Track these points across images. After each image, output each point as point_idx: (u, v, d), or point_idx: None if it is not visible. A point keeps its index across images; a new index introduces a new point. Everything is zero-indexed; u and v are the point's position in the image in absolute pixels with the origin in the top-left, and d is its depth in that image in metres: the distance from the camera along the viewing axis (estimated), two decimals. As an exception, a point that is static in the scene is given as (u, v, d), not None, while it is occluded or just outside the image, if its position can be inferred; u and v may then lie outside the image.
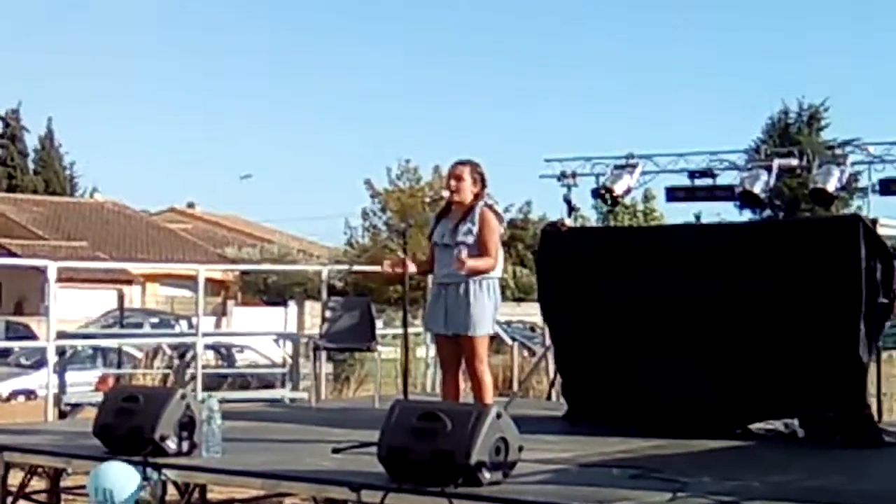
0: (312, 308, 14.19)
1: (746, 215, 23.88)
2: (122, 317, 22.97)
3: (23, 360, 18.42)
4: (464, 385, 7.70)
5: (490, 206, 7.47)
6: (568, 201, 11.38)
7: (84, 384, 13.84)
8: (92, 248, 40.18)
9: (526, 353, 17.21)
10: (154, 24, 74.69)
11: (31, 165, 53.25)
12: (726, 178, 10.92)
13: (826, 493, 6.14)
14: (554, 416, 9.19)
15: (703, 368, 8.37)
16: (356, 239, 40.81)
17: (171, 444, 6.82)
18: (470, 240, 7.35)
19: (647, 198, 35.54)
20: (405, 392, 7.47)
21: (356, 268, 25.28)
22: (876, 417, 8.37)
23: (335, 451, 7.06)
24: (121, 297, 26.23)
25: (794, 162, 10.92)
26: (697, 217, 23.98)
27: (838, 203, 12.40)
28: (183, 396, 7.07)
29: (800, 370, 8.08)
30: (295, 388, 12.13)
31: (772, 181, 10.65)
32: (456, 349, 7.46)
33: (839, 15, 64.09)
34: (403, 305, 7.77)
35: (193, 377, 11.66)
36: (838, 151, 11.06)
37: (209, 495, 7.30)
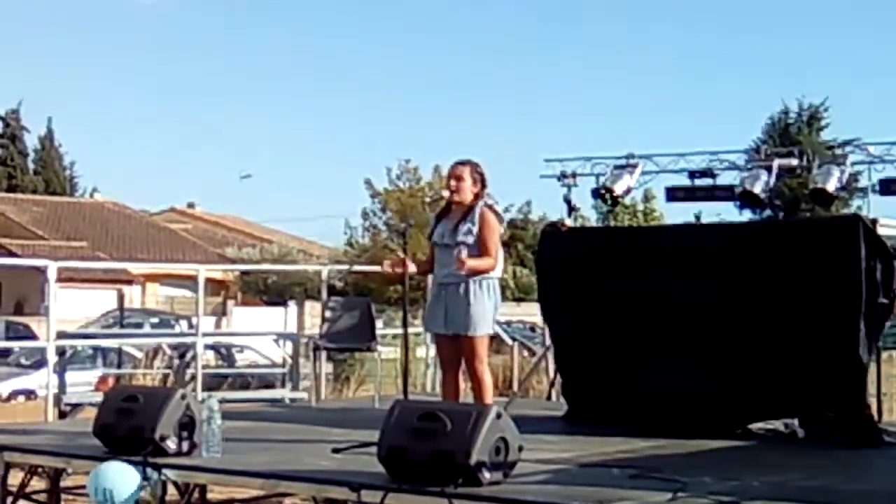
0: (312, 308, 14.19)
1: (746, 215, 23.85)
2: (122, 317, 23.01)
3: (23, 360, 18.44)
4: (464, 385, 7.70)
5: (490, 206, 7.47)
6: (568, 201, 11.39)
7: (84, 384, 13.85)
8: (92, 248, 40.20)
9: (526, 354, 17.20)
10: (154, 24, 74.72)
11: (31, 165, 53.27)
12: (726, 178, 10.94)
13: (826, 493, 6.15)
14: (554, 417, 9.19)
15: (703, 368, 8.38)
16: (356, 239, 40.83)
17: (171, 444, 6.82)
18: (470, 240, 7.35)
19: (647, 198, 35.52)
20: (405, 392, 7.48)
21: (356, 268, 25.29)
22: (876, 417, 8.37)
23: (335, 451, 7.06)
24: (121, 297, 26.28)
25: (794, 162, 10.93)
26: (697, 217, 23.99)
27: (838, 203, 12.41)
28: (183, 396, 7.07)
29: (800, 370, 8.08)
30: (295, 388, 12.13)
31: (772, 181, 10.66)
32: (456, 349, 7.46)
33: (839, 15, 64.12)
34: (403, 305, 7.77)
35: (193, 377, 11.66)
36: (838, 151, 11.07)
37: (209, 495, 7.30)
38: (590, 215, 31.68)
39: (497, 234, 7.46)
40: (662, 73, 68.58)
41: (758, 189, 10.59)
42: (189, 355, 13.37)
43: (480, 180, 7.48)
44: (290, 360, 12.92)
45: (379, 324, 12.49)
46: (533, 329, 23.54)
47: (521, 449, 6.00)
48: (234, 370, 16.21)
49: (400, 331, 8.26)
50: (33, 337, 20.88)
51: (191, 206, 58.04)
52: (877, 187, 10.37)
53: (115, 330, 21.51)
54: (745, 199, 10.98)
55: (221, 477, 6.69)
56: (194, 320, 12.47)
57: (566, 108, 69.69)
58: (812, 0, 65.03)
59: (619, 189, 11.10)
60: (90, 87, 76.30)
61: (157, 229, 47.77)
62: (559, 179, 11.34)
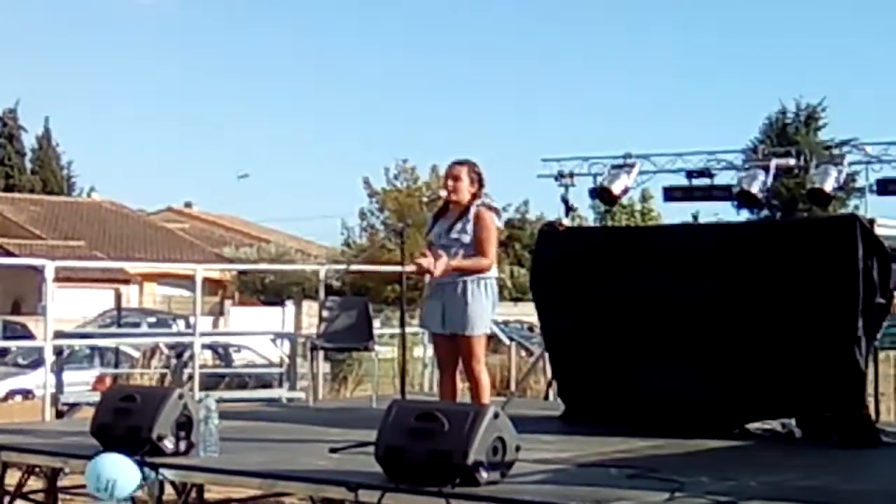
0: (310, 308, 14.21)
1: (744, 215, 23.85)
2: (120, 316, 22.96)
3: (20, 360, 18.41)
4: (461, 385, 7.70)
5: (487, 205, 7.47)
6: (565, 201, 11.36)
7: (81, 384, 13.82)
8: (89, 248, 40.17)
9: (523, 353, 17.20)
10: (153, 23, 74.68)
11: (28, 165, 53.25)
12: (724, 178, 10.91)
13: (823, 493, 6.15)
14: (551, 416, 9.19)
15: (700, 368, 8.38)
16: (353, 239, 40.85)
17: (169, 444, 6.82)
18: (466, 239, 7.35)
19: (644, 197, 35.61)
20: (402, 392, 7.48)
21: (354, 267, 25.26)
22: (873, 417, 8.37)
23: (332, 450, 7.05)
24: (118, 297, 26.22)
25: (792, 162, 10.90)
26: (695, 217, 24.01)
27: (836, 203, 12.39)
28: (180, 396, 7.07)
29: (797, 370, 8.08)
30: (292, 387, 12.11)
31: (769, 181, 10.63)
32: (453, 349, 7.46)
33: (837, 15, 64.16)
34: (401, 305, 7.77)
35: (191, 377, 11.64)
36: (836, 151, 11.06)
37: (206, 495, 7.28)
38: (587, 215, 31.85)
39: (494, 234, 7.45)
40: (660, 73, 68.68)
41: (755, 189, 10.57)
42: (186, 355, 13.35)
43: (478, 180, 7.48)
44: (287, 360, 12.91)
45: (376, 323, 12.48)
46: (531, 329, 23.52)
47: (518, 449, 6.00)
48: (232, 370, 16.19)
49: (397, 330, 8.26)
50: (30, 336, 20.85)
51: (188, 205, 58.05)
52: (874, 187, 10.35)
53: (113, 329, 21.48)
54: (743, 198, 10.95)
55: (219, 477, 6.68)
56: (192, 320, 12.44)
57: (564, 108, 69.84)
58: (811, 0, 65.07)
59: (616, 189, 11.07)
60: (88, 87, 76.39)
61: (155, 229, 47.76)
62: (556, 179, 11.31)
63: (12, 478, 7.61)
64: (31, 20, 72.74)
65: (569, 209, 11.49)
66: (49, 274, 10.14)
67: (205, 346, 14.40)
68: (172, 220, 52.47)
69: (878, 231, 8.22)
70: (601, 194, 11.18)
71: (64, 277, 15.59)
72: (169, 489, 6.78)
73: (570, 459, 7.04)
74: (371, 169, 46.64)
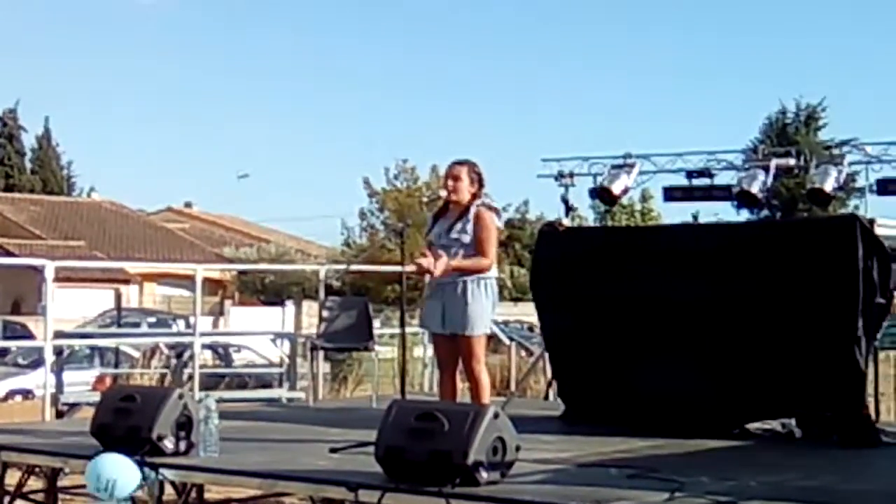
0: (310, 308, 14.21)
1: (744, 215, 23.85)
2: (120, 316, 22.96)
3: (20, 360, 18.41)
4: (461, 385, 7.70)
5: (487, 205, 7.47)
6: (565, 201, 11.36)
7: (81, 384, 13.82)
8: (89, 248, 40.17)
9: (523, 353, 17.20)
10: (153, 23, 74.69)
11: (28, 165, 53.25)
12: (724, 178, 10.90)
13: (823, 493, 6.15)
14: (551, 416, 9.19)
15: (700, 368, 8.38)
16: (353, 239, 40.85)
17: (169, 444, 6.82)
18: (466, 239, 7.35)
19: (644, 197, 35.61)
20: (402, 392, 7.48)
21: (354, 267, 25.26)
22: (873, 417, 8.37)
23: (332, 450, 7.05)
24: (118, 297, 26.22)
25: (792, 162, 10.90)
26: (695, 217, 24.01)
27: (836, 203, 12.39)
28: (180, 396, 7.07)
29: (797, 370, 8.08)
30: (292, 387, 12.11)
31: (769, 181, 10.63)
32: (453, 349, 7.46)
33: (837, 15, 64.16)
34: (401, 305, 7.77)
35: (191, 377, 11.64)
36: (836, 151, 11.05)
37: (206, 495, 7.29)
38: (587, 215, 31.85)
39: (494, 234, 7.45)
40: (660, 73, 68.68)
41: (755, 189, 10.57)
42: (186, 355, 13.35)
43: (478, 180, 7.48)
44: (287, 360, 12.91)
45: (376, 323, 12.48)
46: (531, 329, 23.52)
47: (518, 449, 6.00)
48: (232, 370, 16.19)
49: (397, 330, 8.26)
50: (30, 336, 20.85)
51: (188, 205, 58.06)
52: (874, 187, 10.35)
53: (113, 329, 21.48)
54: (743, 198, 10.95)
55: (219, 477, 6.68)
56: (192, 320, 12.44)
57: (565, 108, 69.85)
58: (811, 0, 65.06)
59: (616, 189, 11.06)
60: (88, 87, 76.40)
61: (155, 229, 47.77)
62: (556, 179, 11.30)
63: (12, 478, 7.61)
64: (31, 20, 72.80)
65: (569, 209, 11.49)
66: (49, 274, 10.14)
67: (205, 346, 14.40)
68: (172, 220, 52.48)
69: (878, 231, 8.22)
70: (601, 194, 11.17)
71: (64, 277, 15.58)
72: (169, 489, 6.78)
73: (570, 459, 7.04)
74: (371, 169, 46.69)
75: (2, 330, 22.68)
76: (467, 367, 7.44)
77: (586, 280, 9.04)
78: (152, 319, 27.24)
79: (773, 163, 10.65)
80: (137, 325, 25.17)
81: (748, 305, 8.28)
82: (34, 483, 7.75)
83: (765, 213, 29.61)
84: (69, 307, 20.43)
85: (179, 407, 6.93)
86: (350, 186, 54.45)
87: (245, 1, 74.49)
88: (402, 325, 7.64)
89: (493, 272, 7.47)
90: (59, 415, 11.30)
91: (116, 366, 15.70)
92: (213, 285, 36.97)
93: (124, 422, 6.93)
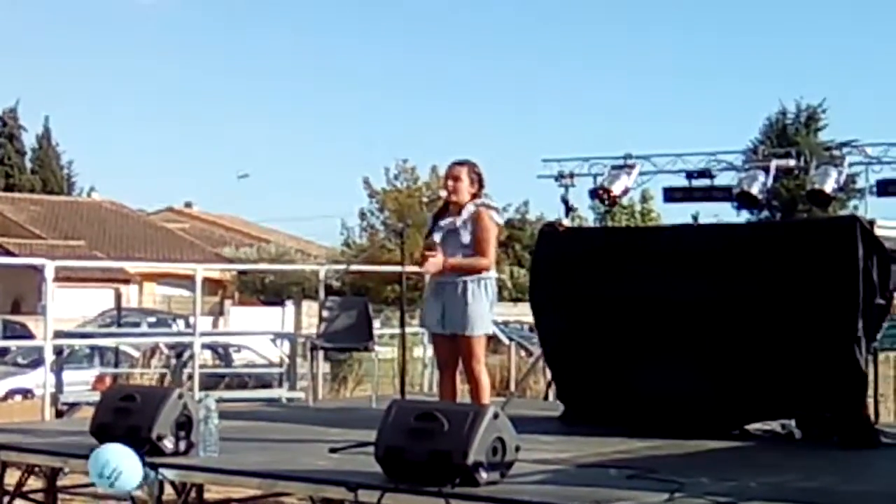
0: (310, 308, 14.21)
1: (744, 216, 23.95)
2: (120, 316, 22.96)
3: (20, 360, 18.42)
4: (461, 386, 7.70)
5: (486, 205, 7.47)
6: (565, 201, 11.37)
7: (81, 383, 13.83)
8: (89, 248, 40.15)
9: (523, 354, 17.20)
10: (153, 23, 74.69)
11: (28, 164, 53.26)
12: (724, 179, 10.92)
13: (823, 494, 6.16)
14: (551, 417, 9.19)
15: (700, 369, 8.38)
16: (353, 239, 40.85)
17: (168, 444, 6.82)
18: (466, 239, 7.35)
19: (644, 198, 35.55)
20: (402, 392, 7.48)
21: (354, 267, 25.26)
22: (873, 418, 8.37)
23: (332, 450, 7.05)
24: (118, 297, 26.22)
25: (792, 163, 10.91)
26: (695, 217, 23.95)
27: (836, 204, 12.41)
28: (180, 396, 7.07)
29: (797, 371, 8.08)
30: (292, 387, 12.11)
31: (769, 182, 10.65)
32: (453, 349, 7.46)
33: (837, 16, 64.18)
34: (401, 305, 7.77)
35: (190, 377, 11.64)
36: (836, 152, 11.03)
37: (206, 495, 7.29)
38: (587, 215, 31.84)
39: (493, 234, 7.45)
40: (660, 73, 68.70)
41: (755, 190, 10.58)
42: (186, 355, 13.35)
43: (478, 180, 7.48)
44: (287, 360, 12.91)
45: (376, 323, 12.48)
46: (531, 329, 23.49)
47: (518, 449, 6.00)
48: (232, 370, 16.20)
49: (397, 330, 8.26)
50: (30, 336, 20.84)
51: (188, 205, 58.06)
52: (874, 188, 10.36)
53: (113, 329, 21.48)
54: (743, 199, 10.96)
55: (218, 476, 6.68)
56: (191, 320, 12.44)
57: (565, 108, 69.85)
58: (811, 0, 65.06)
59: (616, 189, 11.07)
60: (88, 87, 76.41)
61: (155, 229, 47.76)
62: (557, 180, 11.31)
63: (12, 477, 7.61)
64: (31, 20, 72.82)
65: (569, 209, 11.50)
66: (49, 273, 10.14)
67: (205, 346, 14.40)
68: (172, 219, 52.48)
69: (878, 232, 8.22)
70: (601, 195, 11.18)
71: (64, 277, 15.58)
72: (168, 489, 6.78)
73: (569, 460, 7.04)
74: (371, 169, 46.68)
75: (2, 329, 22.68)
76: (467, 368, 7.44)
77: (586, 280, 9.04)
78: (152, 319, 27.23)
79: (773, 164, 10.66)
80: (137, 324, 25.16)
81: (748, 306, 8.28)
82: (34, 482, 7.74)
83: (765, 213, 29.66)
84: (69, 307, 20.42)
85: (179, 407, 6.93)
86: (350, 186, 54.45)
87: (245, 1, 74.57)
88: (402, 325, 7.64)
89: (493, 272, 7.47)
90: (59, 414, 11.30)
91: (116, 365, 15.70)
92: (212, 285, 36.96)
93: (124, 421, 6.93)
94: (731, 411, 8.34)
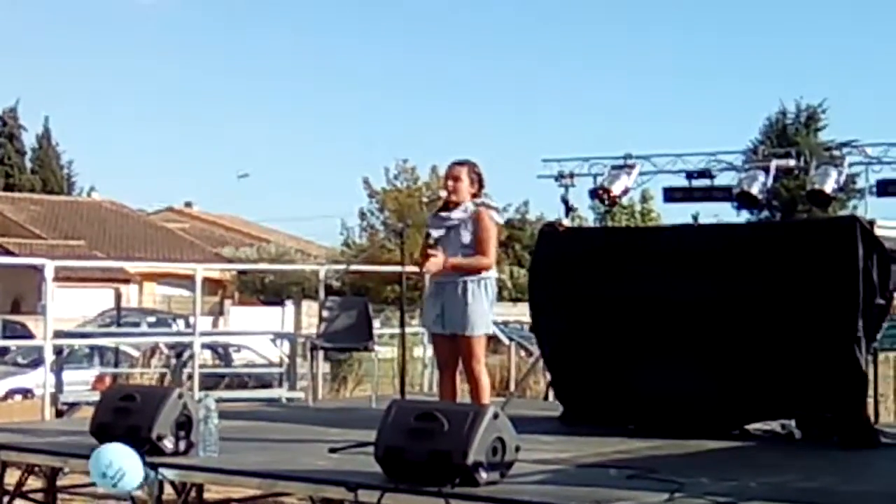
0: (310, 308, 14.21)
1: (744, 216, 23.92)
2: (119, 316, 22.95)
3: (20, 359, 18.42)
4: (461, 385, 7.70)
5: (486, 204, 7.47)
6: (565, 201, 11.33)
7: (81, 383, 13.84)
8: (89, 247, 40.15)
9: (523, 354, 17.19)
10: (153, 23, 74.68)
11: (28, 164, 53.24)
12: (724, 179, 10.89)
13: (823, 494, 6.16)
14: (551, 417, 9.19)
15: (700, 369, 8.38)
16: (353, 239, 40.84)
17: (168, 444, 6.82)
18: (466, 239, 7.36)
19: (644, 198, 35.56)
20: (402, 392, 7.48)
21: (353, 267, 25.25)
22: (872, 419, 8.37)
23: (332, 450, 7.05)
24: (118, 297, 26.20)
25: (792, 163, 10.88)
26: (695, 218, 23.92)
27: (836, 204, 12.39)
28: (180, 396, 7.08)
29: (797, 371, 8.08)
30: (292, 387, 12.11)
31: (769, 182, 10.62)
32: (453, 349, 7.46)
33: (838, 16, 64.17)
34: (401, 305, 7.77)
35: (190, 376, 11.65)
36: (836, 152, 10.97)
37: (206, 495, 7.29)
38: (587, 215, 31.83)
39: (494, 234, 7.45)
40: (660, 73, 68.69)
41: (755, 190, 10.55)
42: (186, 354, 13.35)
43: (478, 180, 7.48)
44: (287, 360, 12.91)
45: (376, 323, 12.48)
46: (531, 329, 23.48)
47: (518, 449, 6.00)
48: (231, 370, 16.20)
49: (397, 330, 8.26)
50: (30, 336, 20.83)
51: (188, 205, 58.05)
52: (874, 189, 10.34)
53: (112, 329, 21.47)
54: (743, 199, 10.93)
55: (218, 476, 6.68)
56: (191, 319, 12.44)
57: (564, 108, 69.83)
58: (811, 0, 65.05)
59: (616, 189, 11.04)
60: (88, 87, 76.41)
61: (155, 228, 47.76)
62: (557, 180, 11.28)
63: (12, 477, 7.61)
64: (31, 20, 72.80)
65: (569, 210, 11.47)
66: (49, 273, 10.14)
67: (204, 346, 14.40)
68: (172, 219, 52.47)
69: (878, 232, 8.22)
70: (601, 195, 11.16)
71: (64, 277, 15.61)
72: (168, 489, 6.78)
73: (569, 460, 7.04)
74: (371, 169, 46.67)
75: (1, 329, 22.67)
76: (467, 368, 7.44)
77: (586, 281, 9.04)
78: (152, 319, 27.24)
79: (773, 164, 10.63)
80: (137, 324, 25.17)
81: (748, 306, 8.28)
82: (34, 482, 7.75)
83: (765, 214, 29.65)
84: (69, 307, 20.42)
85: (179, 406, 6.93)
86: (350, 186, 54.44)
87: (245, 1, 74.55)
88: (402, 325, 7.64)
89: (493, 272, 7.47)
90: (59, 414, 11.30)
91: (116, 365, 15.70)
92: (212, 285, 36.96)
93: (124, 421, 6.93)
94: (731, 411, 8.34)
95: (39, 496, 7.70)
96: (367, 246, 37.66)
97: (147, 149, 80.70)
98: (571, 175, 11.23)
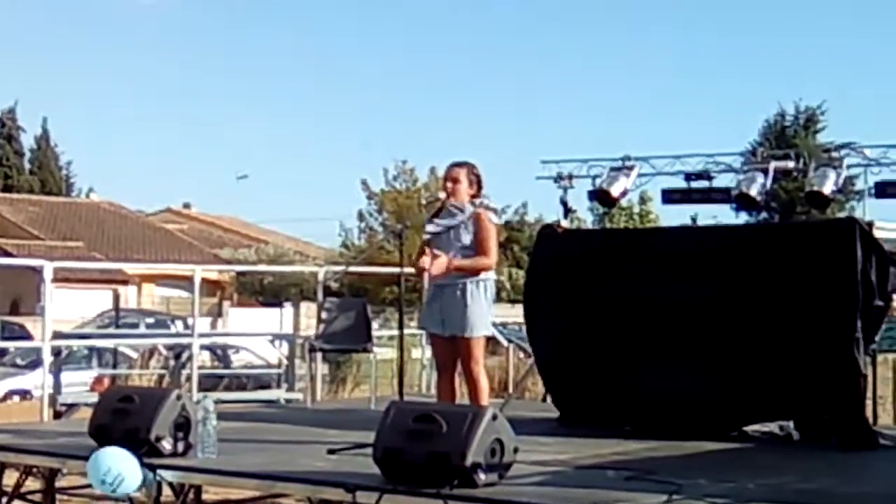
0: (308, 309, 14.19)
1: (743, 218, 23.91)
2: (118, 317, 22.93)
3: (18, 361, 18.40)
4: (460, 387, 7.70)
5: (485, 205, 7.48)
6: (564, 203, 11.33)
7: (79, 384, 13.82)
8: (88, 249, 40.15)
9: (522, 355, 17.18)
10: (153, 24, 74.68)
11: (27, 165, 53.21)
12: (723, 181, 10.88)
13: (821, 496, 6.16)
14: (549, 418, 9.19)
15: (699, 370, 8.38)
16: (352, 240, 40.81)
17: (167, 445, 6.82)
18: (466, 241, 7.36)
19: (643, 200, 35.54)
20: (401, 393, 7.48)
21: (352, 269, 25.24)
22: (871, 420, 8.37)
23: (330, 452, 7.05)
24: (116, 298, 26.22)
25: (791, 164, 10.88)
26: (694, 219, 23.97)
27: (834, 206, 12.40)
28: (178, 397, 7.08)
29: (795, 373, 8.09)
30: (290, 389, 12.11)
31: (768, 184, 10.61)
32: (452, 350, 7.46)
33: (837, 17, 64.19)
34: (399, 307, 7.77)
35: (189, 378, 11.64)
36: (834, 154, 10.97)
37: (204, 496, 7.29)
38: (586, 217, 31.86)
39: (494, 234, 7.47)
40: (660, 73, 68.61)
41: (754, 191, 10.55)
42: (185, 356, 13.35)
43: (477, 182, 7.49)
44: (285, 361, 12.92)
45: (375, 325, 12.48)
46: (526, 331, 23.45)
47: (516, 450, 6.00)
48: (230, 371, 16.18)
49: (396, 332, 8.26)
50: (29, 337, 20.81)
51: (187, 206, 58.02)
52: (873, 190, 10.34)
53: (111, 330, 21.45)
54: (742, 201, 10.93)
55: (217, 478, 6.68)
56: (190, 321, 12.45)
57: (564, 108, 69.76)
58: (810, 1, 65.07)
59: (615, 191, 11.04)
60: (87, 87, 76.27)
61: (153, 230, 47.75)
62: (555, 181, 11.27)
63: (10, 478, 7.61)
64: (30, 20, 72.77)
65: (567, 211, 11.46)
66: (47, 274, 10.14)
67: (203, 347, 14.40)
68: (171, 220, 52.45)
69: (877, 234, 8.23)
70: (600, 196, 11.15)
71: (62, 278, 15.59)
72: (167, 490, 6.78)
73: (567, 461, 7.04)
74: (370, 170, 46.69)
75: (0, 330, 22.67)
76: (466, 369, 7.44)
77: (585, 282, 9.04)
78: (151, 320, 27.21)
79: (772, 165, 10.63)
80: (136, 325, 25.13)
81: (747, 308, 8.29)
82: (32, 484, 7.74)
83: (763, 215, 29.66)
84: (67, 308, 20.42)
85: (178, 408, 6.93)
86: (349, 188, 54.43)
87: (245, 1, 74.50)
88: (401, 326, 7.64)
89: (492, 274, 7.48)
90: (57, 415, 11.30)
91: (115, 366, 15.68)
92: (211, 286, 36.93)
93: (122, 423, 6.93)
94: (729, 413, 8.34)
95: (38, 497, 7.70)
96: (366, 247, 37.60)
97: (146, 149, 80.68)
98: (570, 176, 11.22)
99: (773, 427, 8.41)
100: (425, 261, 7.30)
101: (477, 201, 7.44)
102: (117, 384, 13.50)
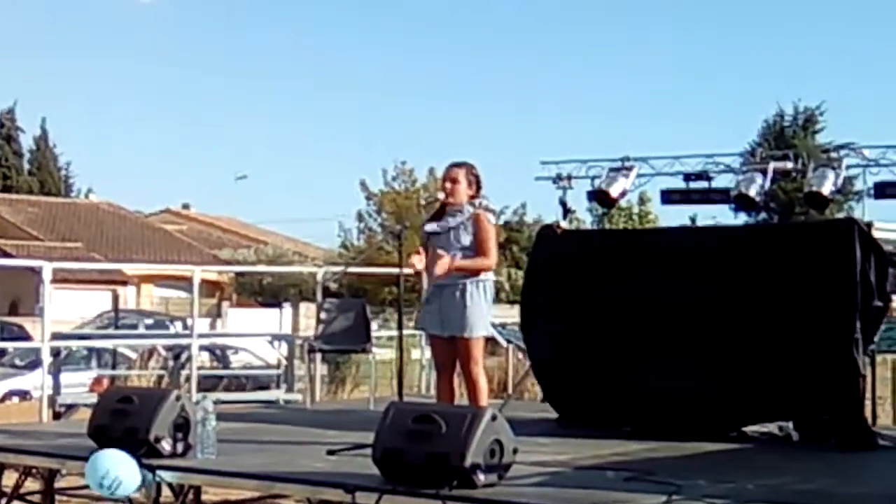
0: (307, 309, 14.23)
1: (742, 218, 23.97)
2: (117, 318, 22.90)
3: (17, 361, 18.38)
4: (459, 388, 7.70)
5: (484, 206, 7.48)
6: (563, 204, 11.34)
7: (78, 385, 13.81)
8: (87, 249, 40.14)
9: (521, 356, 17.18)
10: (152, 23, 74.66)
11: (25, 166, 53.18)
12: (722, 181, 10.89)
13: (820, 497, 6.17)
14: (548, 419, 9.19)
15: (698, 371, 8.38)
16: (351, 241, 40.82)
17: (166, 446, 6.82)
18: (466, 241, 7.36)
19: (642, 200, 35.58)
20: (400, 394, 7.48)
21: (351, 269, 25.23)
22: (870, 421, 8.37)
23: (330, 452, 7.06)
24: (115, 298, 26.20)
25: (790, 165, 10.89)
26: (693, 220, 23.99)
27: (833, 206, 12.40)
28: (178, 398, 7.07)
29: (795, 373, 8.09)
30: (290, 389, 12.11)
31: (767, 184, 10.62)
32: (451, 351, 7.46)
33: (836, 18, 64.19)
34: (398, 307, 7.77)
35: (188, 378, 11.64)
36: (833, 155, 10.99)
37: (203, 497, 7.29)
38: (585, 218, 31.88)
39: (494, 234, 7.47)
40: (660, 73, 68.57)
41: (753, 192, 10.56)
42: (184, 356, 13.35)
43: (475, 182, 7.49)
44: (284, 362, 12.91)
45: (374, 325, 12.49)
46: (522, 331, 23.42)
47: (515, 451, 6.00)
48: (229, 371, 16.17)
49: (395, 332, 8.26)
50: (28, 338, 20.78)
51: (186, 207, 58.01)
52: (871, 191, 10.35)
53: (110, 331, 21.44)
54: (741, 202, 10.94)
55: (216, 478, 6.68)
56: (189, 321, 12.45)
57: (564, 108, 69.70)
58: (810, 1, 65.07)
59: (614, 192, 11.05)
60: (86, 88, 76.17)
61: (152, 230, 47.73)
62: (554, 182, 11.28)
63: (9, 479, 7.61)
64: (30, 20, 72.72)
65: (566, 212, 11.47)
66: (46, 275, 10.14)
67: (202, 348, 14.38)
68: (170, 221, 52.44)
69: (876, 234, 8.23)
70: (599, 197, 11.16)
71: (61, 279, 15.54)
72: (166, 491, 6.78)
73: (567, 462, 7.04)
74: (369, 171, 46.68)
75: (-1, 331, 22.67)
76: (465, 370, 7.44)
77: (584, 283, 9.05)
78: (150, 321, 27.19)
79: (771, 166, 10.64)
80: (135, 326, 25.11)
81: (746, 308, 8.29)
82: (31, 484, 7.74)
83: (762, 216, 29.70)
84: (66, 308, 20.43)
85: (177, 408, 6.93)
86: (348, 188, 54.43)
87: (245, 1, 74.47)
88: (400, 326, 7.65)
89: (491, 274, 7.48)
90: (57, 416, 11.30)
91: (114, 367, 15.67)
92: (210, 287, 36.89)
93: (121, 423, 6.93)
94: (729, 413, 8.35)
95: (37, 498, 7.70)
96: (365, 248, 37.62)
97: (145, 150, 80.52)
98: (569, 177, 11.23)
99: (772, 427, 8.42)
100: (416, 259, 7.31)
101: (476, 202, 7.44)
102: (116, 385, 13.50)
